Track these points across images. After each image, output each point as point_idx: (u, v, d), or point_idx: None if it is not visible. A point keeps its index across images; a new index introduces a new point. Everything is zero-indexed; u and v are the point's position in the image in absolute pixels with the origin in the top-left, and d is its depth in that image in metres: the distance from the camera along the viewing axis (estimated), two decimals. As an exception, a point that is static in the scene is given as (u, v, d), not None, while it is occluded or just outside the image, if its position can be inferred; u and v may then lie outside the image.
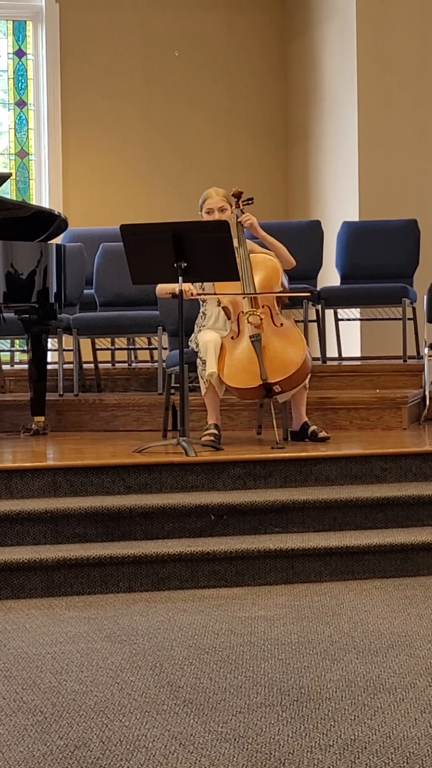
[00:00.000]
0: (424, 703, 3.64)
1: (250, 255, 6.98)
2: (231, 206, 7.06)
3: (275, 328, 6.84)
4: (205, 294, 6.98)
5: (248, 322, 6.82)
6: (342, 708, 3.59)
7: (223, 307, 6.98)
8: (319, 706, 3.62)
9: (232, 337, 6.87)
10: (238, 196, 7.09)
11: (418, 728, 3.40)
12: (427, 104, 10.69)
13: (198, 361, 6.83)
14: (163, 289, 6.93)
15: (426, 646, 4.31)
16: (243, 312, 6.86)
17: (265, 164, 12.03)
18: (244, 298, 6.87)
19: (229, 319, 6.97)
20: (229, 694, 3.77)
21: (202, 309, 7.12)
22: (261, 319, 6.82)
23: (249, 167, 11.87)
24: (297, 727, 3.42)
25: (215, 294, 6.95)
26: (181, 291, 6.53)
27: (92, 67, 11.63)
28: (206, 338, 6.83)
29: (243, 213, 7.05)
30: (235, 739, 3.34)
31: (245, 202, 7.10)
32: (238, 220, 7.03)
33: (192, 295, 6.83)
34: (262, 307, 6.87)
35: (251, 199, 7.16)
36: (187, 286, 6.72)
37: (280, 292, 6.92)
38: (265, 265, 6.98)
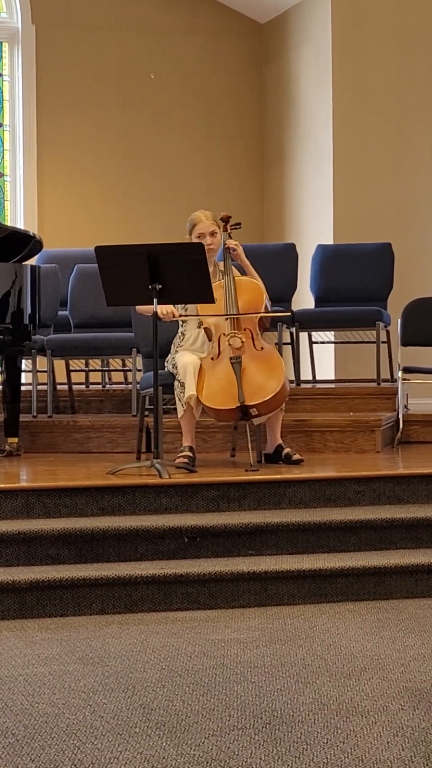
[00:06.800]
0: (396, 726, 3.64)
1: (236, 278, 6.99)
2: (219, 229, 7.07)
3: (256, 352, 6.85)
4: (187, 315, 6.97)
5: (229, 344, 6.83)
6: (315, 731, 3.59)
7: (204, 328, 6.98)
8: (291, 729, 3.62)
9: (212, 358, 6.88)
10: (226, 220, 7.10)
11: (390, 752, 3.40)
12: (401, 128, 10.75)
13: (176, 383, 6.83)
14: (143, 309, 6.94)
15: (398, 669, 4.31)
16: (224, 334, 6.87)
17: (241, 187, 12.06)
18: (226, 320, 6.88)
19: (210, 340, 6.97)
20: (202, 716, 3.76)
21: (180, 329, 7.12)
22: (242, 342, 6.83)
23: (225, 190, 11.90)
24: (270, 750, 3.41)
25: (196, 315, 6.94)
26: (155, 313, 6.54)
27: (68, 89, 11.65)
28: (184, 360, 6.83)
29: (231, 237, 7.06)
30: (207, 762, 3.33)
31: (233, 227, 7.11)
32: (227, 245, 7.02)
33: (174, 316, 6.84)
34: (244, 329, 6.88)
35: (239, 223, 7.16)
36: (169, 308, 6.75)
37: (261, 312, 6.93)
38: (250, 288, 6.99)
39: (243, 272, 7.14)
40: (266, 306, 6.98)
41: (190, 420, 6.86)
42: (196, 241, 6.98)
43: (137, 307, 7.00)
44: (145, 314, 6.94)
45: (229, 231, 7.09)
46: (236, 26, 12.09)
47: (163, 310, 6.78)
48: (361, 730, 3.60)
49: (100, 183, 11.74)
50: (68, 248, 10.20)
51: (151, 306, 6.61)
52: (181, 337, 7.11)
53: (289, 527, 5.85)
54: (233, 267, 7.06)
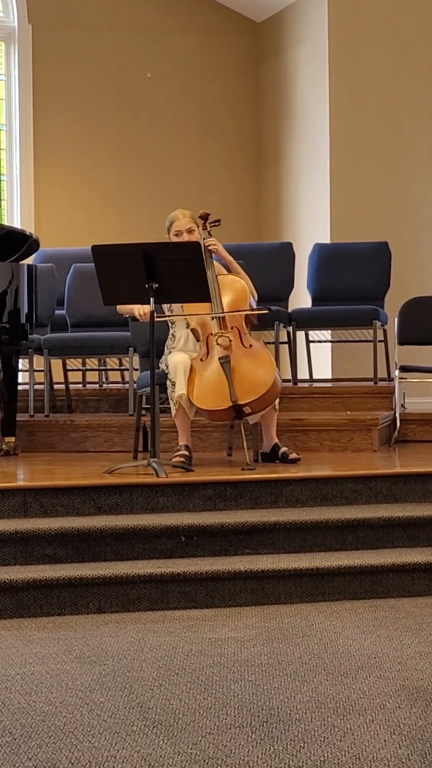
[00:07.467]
0: (393, 724, 3.64)
1: (218, 277, 6.99)
2: (198, 227, 7.07)
3: (244, 350, 6.85)
4: (167, 316, 6.96)
5: (217, 344, 6.82)
6: (312, 729, 3.59)
7: (191, 329, 6.98)
8: (288, 727, 3.62)
9: (201, 359, 6.87)
10: (204, 218, 7.09)
11: (387, 750, 3.40)
12: (397, 127, 10.76)
13: (168, 382, 6.83)
14: (122, 309, 6.98)
15: (395, 668, 4.31)
16: (212, 334, 6.87)
17: (238, 186, 12.06)
18: (212, 319, 6.88)
19: (198, 341, 6.97)
20: (199, 715, 3.76)
21: (171, 331, 7.12)
22: (230, 341, 6.82)
23: (222, 189, 11.91)
24: (267, 749, 3.42)
25: (180, 315, 6.94)
26: (152, 312, 6.53)
27: (65, 89, 11.64)
28: (175, 360, 6.83)
29: (210, 235, 7.06)
30: (204, 761, 3.33)
31: (212, 224, 7.11)
32: (204, 243, 7.01)
33: (149, 318, 6.80)
34: (231, 328, 6.88)
35: (218, 220, 7.15)
36: (146, 308, 6.69)
37: (245, 311, 6.92)
38: (233, 286, 6.98)
39: (228, 269, 7.12)
40: (251, 305, 6.97)
41: (184, 419, 6.86)
42: (174, 238, 6.99)
43: (118, 307, 7.00)
44: (125, 315, 6.98)
45: (208, 229, 7.08)
46: (232, 25, 12.10)
47: (141, 311, 6.79)
48: (358, 728, 3.60)
49: (96, 182, 11.74)
50: (65, 248, 10.20)
51: (132, 306, 6.63)
52: (172, 339, 7.11)
53: (286, 526, 5.85)
54: (218, 264, 7.05)
